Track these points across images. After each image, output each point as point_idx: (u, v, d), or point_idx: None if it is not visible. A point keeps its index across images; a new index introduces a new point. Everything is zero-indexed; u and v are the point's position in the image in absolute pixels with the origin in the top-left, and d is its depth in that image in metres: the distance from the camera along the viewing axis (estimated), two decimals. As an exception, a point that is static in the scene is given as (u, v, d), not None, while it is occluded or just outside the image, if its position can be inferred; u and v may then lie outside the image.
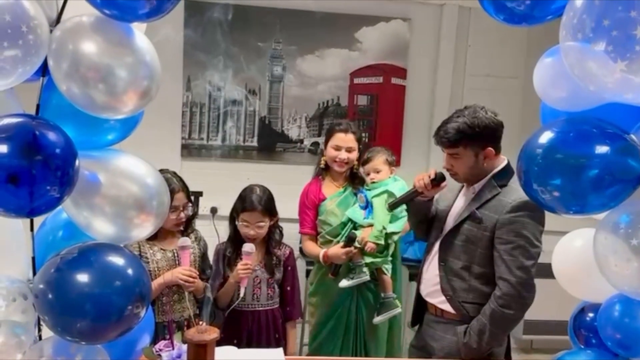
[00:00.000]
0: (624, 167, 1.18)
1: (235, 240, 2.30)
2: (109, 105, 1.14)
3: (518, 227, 1.84)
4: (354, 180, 2.54)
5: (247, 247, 2.19)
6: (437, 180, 2.04)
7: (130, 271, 1.20)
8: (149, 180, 1.26)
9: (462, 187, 2.12)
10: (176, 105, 3.59)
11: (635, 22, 0.97)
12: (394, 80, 3.81)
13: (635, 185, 1.21)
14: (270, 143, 3.73)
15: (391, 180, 2.49)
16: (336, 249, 2.40)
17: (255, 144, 3.71)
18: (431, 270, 2.08)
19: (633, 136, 1.23)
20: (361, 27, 3.71)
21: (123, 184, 1.25)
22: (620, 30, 0.98)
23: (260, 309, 2.29)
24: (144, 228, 1.27)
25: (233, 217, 2.32)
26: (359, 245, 2.39)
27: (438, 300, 2.04)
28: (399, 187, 2.46)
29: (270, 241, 2.34)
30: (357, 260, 2.41)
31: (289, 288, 2.36)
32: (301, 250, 3.30)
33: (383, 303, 2.45)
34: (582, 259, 1.33)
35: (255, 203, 2.24)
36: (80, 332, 1.19)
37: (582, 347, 1.39)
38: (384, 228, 2.40)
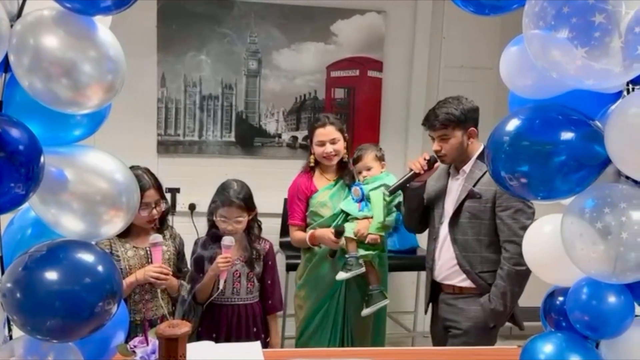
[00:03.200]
0: (589, 152, 1.20)
1: (214, 234, 2.30)
2: (73, 100, 1.12)
3: None
4: (344, 172, 2.57)
5: (227, 240, 2.20)
6: (432, 162, 2.28)
7: (100, 268, 1.19)
8: (118, 176, 1.25)
9: (448, 175, 2.32)
10: (151, 102, 3.56)
11: (594, 8, 0.99)
12: (371, 73, 3.83)
13: (600, 170, 1.23)
14: (248, 138, 3.72)
15: (384, 175, 2.53)
16: (324, 231, 2.45)
17: (232, 139, 3.70)
18: (444, 254, 2.28)
19: (598, 122, 1.25)
20: (336, 20, 3.71)
21: (91, 180, 1.23)
22: (580, 17, 1.00)
23: (240, 303, 2.30)
24: (114, 224, 1.25)
25: (211, 213, 2.31)
26: (355, 237, 2.43)
27: (458, 280, 2.24)
28: (393, 180, 2.50)
29: (249, 235, 2.34)
30: (353, 252, 2.44)
31: (269, 282, 2.36)
32: (281, 244, 3.31)
33: (372, 295, 2.48)
34: (552, 244, 1.35)
35: (233, 198, 2.23)
36: (51, 330, 1.18)
37: (553, 330, 1.41)
38: (384, 220, 2.46)
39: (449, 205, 2.27)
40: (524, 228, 2.00)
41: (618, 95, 1.25)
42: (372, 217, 2.47)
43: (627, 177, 1.20)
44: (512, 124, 1.24)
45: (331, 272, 2.49)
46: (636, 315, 1.25)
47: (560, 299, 1.40)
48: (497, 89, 3.67)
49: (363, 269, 2.44)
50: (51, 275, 1.15)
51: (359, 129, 3.84)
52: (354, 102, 3.83)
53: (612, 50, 1.01)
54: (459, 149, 2.20)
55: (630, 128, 1.12)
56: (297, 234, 2.58)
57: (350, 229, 2.45)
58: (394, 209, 2.56)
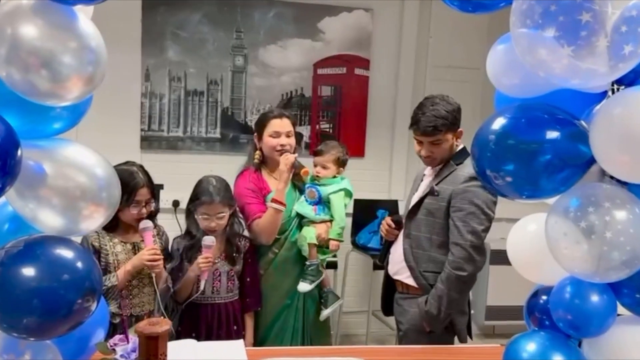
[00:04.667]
0: (574, 152, 1.20)
1: (191, 236, 2.25)
2: (52, 92, 1.09)
3: (470, 195, 2.01)
4: (294, 172, 2.40)
5: (208, 240, 2.15)
6: (398, 222, 2.24)
7: (79, 264, 1.16)
8: (99, 171, 1.22)
9: (424, 175, 2.27)
10: (134, 96, 3.52)
11: (581, 7, 0.99)
12: (358, 71, 3.83)
13: (584, 170, 1.23)
14: (233, 134, 3.69)
15: (340, 179, 2.44)
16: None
17: (218, 135, 3.67)
18: (398, 248, 2.21)
19: (583, 122, 1.25)
20: (324, 17, 3.70)
21: (71, 174, 1.20)
22: (567, 15, 0.99)
23: (220, 301, 2.26)
24: (94, 220, 1.22)
25: (190, 211, 2.25)
26: (316, 243, 2.36)
27: (404, 276, 2.17)
28: (349, 185, 2.45)
29: (230, 232, 2.29)
30: (314, 259, 2.37)
31: (248, 279, 2.32)
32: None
33: (327, 297, 2.45)
34: (536, 243, 1.35)
35: (214, 195, 2.19)
36: (28, 328, 1.15)
37: (536, 329, 1.42)
38: (345, 225, 2.42)
39: (413, 200, 2.22)
40: (474, 232, 2.00)
41: (603, 95, 1.26)
42: (329, 221, 2.40)
43: (612, 177, 1.21)
44: (498, 123, 1.24)
45: (288, 278, 2.39)
46: (618, 314, 1.26)
47: (544, 297, 1.41)
48: (483, 88, 3.69)
49: (324, 276, 2.40)
50: (28, 271, 1.12)
51: (346, 126, 3.84)
52: (340, 100, 3.83)
53: (598, 49, 1.01)
54: (450, 149, 2.14)
55: (615, 128, 1.12)
56: (265, 218, 2.28)
57: (311, 234, 2.35)
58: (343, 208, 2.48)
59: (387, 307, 2.34)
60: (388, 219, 2.28)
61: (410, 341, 2.13)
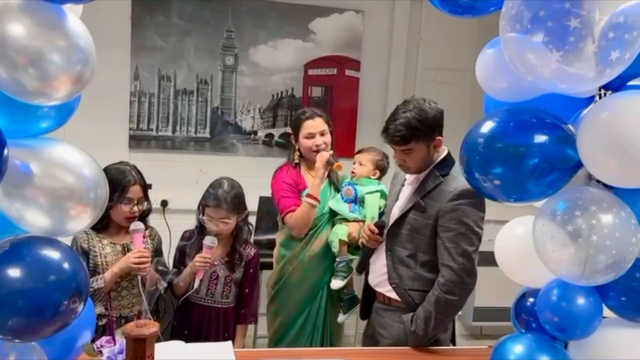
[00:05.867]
0: (561, 155, 1.22)
1: (201, 231, 2.24)
2: (40, 91, 1.08)
3: (459, 214, 1.89)
4: (331, 170, 2.44)
5: (208, 239, 2.14)
6: (380, 227, 2.11)
7: (66, 265, 1.15)
8: (86, 171, 1.21)
9: (404, 181, 2.17)
10: (123, 95, 3.49)
11: (569, 13, 1.00)
12: (348, 72, 3.83)
13: (572, 173, 1.25)
14: (223, 134, 3.67)
15: (376, 182, 2.45)
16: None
17: (207, 135, 3.65)
18: (379, 261, 2.11)
19: (570, 126, 1.27)
20: (315, 18, 3.70)
21: (58, 174, 1.19)
22: (556, 21, 1.00)
23: (212, 305, 2.25)
24: (81, 220, 1.21)
25: (199, 210, 2.25)
26: (347, 240, 2.35)
27: (386, 289, 2.08)
28: (384, 189, 2.44)
29: (237, 238, 2.27)
30: (344, 256, 2.37)
31: (247, 290, 2.30)
32: (255, 242, 3.24)
33: (346, 300, 2.43)
34: (523, 245, 1.36)
35: (220, 199, 2.17)
36: (13, 329, 1.13)
37: (523, 331, 1.43)
38: None
39: (396, 212, 2.09)
40: (464, 255, 1.89)
41: (590, 99, 1.27)
42: (362, 221, 2.38)
43: (598, 181, 1.22)
44: (487, 127, 1.25)
45: (314, 274, 2.40)
46: (604, 317, 1.27)
47: (531, 300, 1.42)
48: (473, 91, 3.71)
49: (354, 273, 2.39)
50: (14, 272, 1.11)
51: (336, 128, 3.78)
52: (331, 101, 3.83)
53: (586, 55, 1.02)
54: (425, 160, 1.99)
55: (601, 133, 1.13)
56: (298, 210, 2.31)
57: (343, 231, 2.36)
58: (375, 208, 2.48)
59: (366, 313, 2.27)
60: (370, 225, 2.15)
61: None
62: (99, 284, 1.99)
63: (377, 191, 2.40)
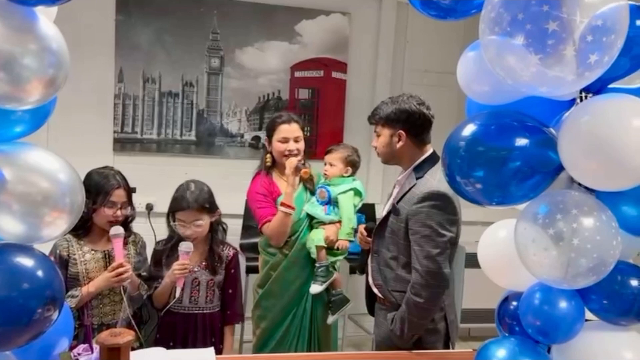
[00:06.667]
0: (543, 159, 1.22)
1: (173, 242, 2.19)
2: (11, 95, 1.05)
3: (423, 217, 1.90)
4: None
5: (184, 246, 2.10)
6: (369, 230, 2.17)
7: (40, 272, 1.13)
8: (62, 176, 1.18)
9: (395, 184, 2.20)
10: (107, 97, 3.45)
11: (548, 16, 0.99)
12: (335, 74, 3.82)
13: (553, 177, 1.24)
14: (209, 137, 3.65)
15: (351, 179, 2.45)
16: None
17: (193, 137, 3.63)
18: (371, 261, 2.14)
19: (552, 129, 1.26)
20: (301, 19, 3.69)
21: (32, 179, 1.16)
22: (534, 24, 1.00)
23: (198, 312, 2.20)
24: (56, 227, 1.19)
25: (169, 217, 2.21)
26: (324, 245, 2.35)
27: (376, 290, 2.10)
28: (360, 186, 2.45)
29: (212, 239, 2.23)
30: (324, 260, 2.36)
31: (230, 291, 2.27)
32: (241, 246, 3.23)
33: (335, 301, 2.42)
34: (505, 249, 1.36)
35: (190, 201, 2.14)
36: (-14, 339, 1.11)
37: (506, 334, 1.43)
38: (354, 225, 2.39)
39: (382, 216, 2.14)
40: (428, 257, 1.87)
41: (572, 102, 1.27)
42: (338, 222, 2.39)
43: (580, 184, 1.22)
44: (468, 130, 1.24)
45: (297, 279, 2.39)
46: (586, 320, 1.27)
47: (514, 303, 1.42)
48: (459, 93, 3.68)
49: (334, 276, 2.39)
50: (-14, 280, 1.08)
51: (323, 130, 3.83)
52: (318, 103, 3.81)
53: (565, 58, 1.01)
54: (387, 149, 2.04)
55: (582, 136, 1.13)
56: (274, 220, 2.31)
57: (319, 235, 2.37)
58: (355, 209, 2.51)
59: (371, 310, 2.30)
60: (361, 227, 2.24)
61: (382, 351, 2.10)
62: (72, 301, 1.96)
63: (350, 189, 2.41)
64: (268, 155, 2.44)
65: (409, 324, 1.93)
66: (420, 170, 2.00)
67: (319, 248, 2.35)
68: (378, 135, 2.08)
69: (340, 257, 2.45)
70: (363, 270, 2.32)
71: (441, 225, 1.88)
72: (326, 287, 2.40)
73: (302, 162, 2.39)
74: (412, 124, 1.99)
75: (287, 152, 2.37)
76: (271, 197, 2.38)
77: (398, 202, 2.00)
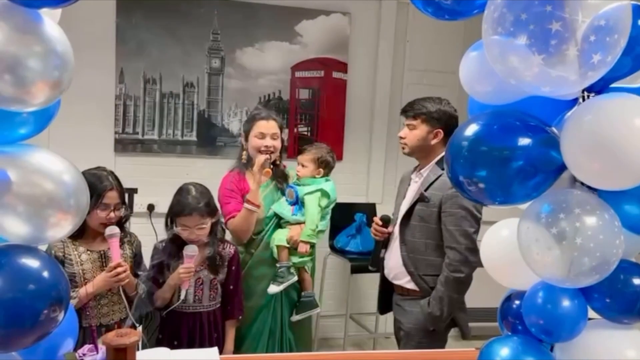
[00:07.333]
0: (545, 158, 1.22)
1: (175, 243, 2.19)
2: (16, 97, 1.06)
3: (460, 200, 2.11)
4: (277, 173, 2.44)
5: (189, 249, 2.11)
6: (386, 220, 2.33)
7: (45, 273, 1.13)
8: (66, 178, 1.19)
9: (411, 179, 2.36)
10: (108, 98, 3.46)
11: (551, 16, 0.99)
12: (335, 74, 3.83)
13: (556, 176, 1.25)
14: (210, 137, 3.65)
15: (322, 180, 2.45)
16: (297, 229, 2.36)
17: (194, 138, 3.63)
18: (394, 255, 2.29)
19: (554, 129, 1.27)
20: (301, 20, 3.69)
21: (37, 181, 1.16)
22: (537, 24, 1.00)
23: (202, 310, 2.22)
24: (61, 228, 1.19)
25: (169, 221, 2.20)
26: (287, 245, 2.35)
27: (404, 281, 2.26)
28: (330, 187, 2.44)
29: (213, 240, 2.24)
30: (285, 261, 2.36)
31: (231, 287, 2.28)
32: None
33: (303, 302, 2.43)
34: (508, 248, 1.36)
35: (193, 205, 2.12)
36: (-8, 340, 1.12)
37: (509, 333, 1.43)
38: (317, 227, 2.38)
39: (404, 207, 2.29)
40: (466, 235, 2.11)
41: (574, 101, 1.27)
42: (303, 222, 2.39)
43: (582, 183, 1.22)
44: (471, 129, 1.24)
45: (264, 279, 2.38)
46: (589, 319, 1.28)
47: (517, 302, 1.42)
48: (459, 93, 3.70)
49: (295, 278, 2.37)
50: (-8, 281, 1.09)
51: (324, 130, 3.83)
52: (318, 103, 3.82)
53: (568, 58, 1.02)
54: (420, 143, 2.24)
55: (585, 135, 1.13)
56: (238, 216, 2.31)
57: (281, 235, 2.36)
58: (328, 214, 2.51)
59: (384, 307, 2.44)
60: (376, 218, 2.34)
61: (414, 340, 2.24)
62: (71, 302, 1.95)
63: (317, 190, 2.40)
64: (244, 152, 2.43)
65: (449, 301, 2.13)
66: (443, 162, 2.16)
67: (280, 248, 2.35)
68: (412, 128, 2.24)
69: (307, 259, 2.43)
70: (376, 267, 2.41)
71: (475, 208, 2.12)
72: (295, 288, 2.41)
73: (277, 161, 2.40)
74: (450, 126, 2.21)
75: (262, 149, 2.35)
76: (239, 194, 2.37)
77: (426, 190, 2.19)
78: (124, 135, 3.51)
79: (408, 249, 2.23)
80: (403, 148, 2.30)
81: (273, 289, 2.33)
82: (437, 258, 2.19)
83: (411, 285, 2.24)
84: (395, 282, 2.30)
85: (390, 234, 2.34)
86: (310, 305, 2.44)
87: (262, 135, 2.37)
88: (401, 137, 2.28)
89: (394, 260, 2.29)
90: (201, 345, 2.15)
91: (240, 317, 2.32)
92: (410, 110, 2.24)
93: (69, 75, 1.11)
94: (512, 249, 1.31)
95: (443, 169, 2.16)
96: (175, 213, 2.16)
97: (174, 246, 2.19)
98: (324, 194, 2.42)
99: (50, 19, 1.10)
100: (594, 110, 1.14)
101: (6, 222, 1.17)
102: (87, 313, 2.02)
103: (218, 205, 2.33)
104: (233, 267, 2.28)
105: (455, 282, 2.12)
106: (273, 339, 2.41)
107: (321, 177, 2.46)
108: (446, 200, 2.13)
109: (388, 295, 2.39)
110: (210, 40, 3.57)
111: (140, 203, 3.38)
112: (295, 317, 2.42)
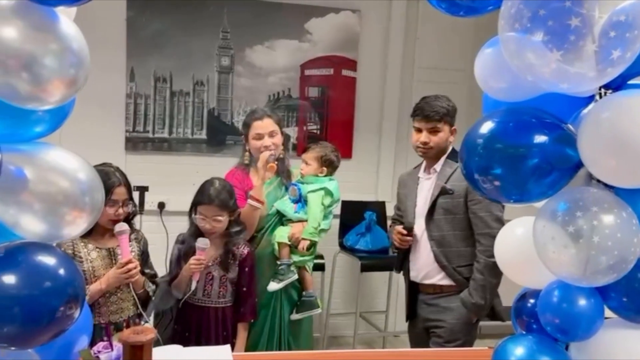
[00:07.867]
0: (561, 156, 1.20)
1: (195, 232, 2.25)
2: (33, 95, 1.06)
3: None
4: (282, 168, 2.44)
5: (201, 242, 2.16)
6: (409, 229, 2.32)
7: (61, 271, 1.14)
8: (81, 175, 1.19)
9: (418, 178, 2.36)
10: (119, 97, 3.48)
11: (569, 12, 0.98)
12: (345, 72, 3.82)
13: (572, 174, 1.23)
14: (219, 135, 3.66)
15: (326, 179, 2.44)
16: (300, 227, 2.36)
17: (204, 136, 3.64)
18: (422, 254, 2.30)
19: (570, 126, 1.25)
20: (311, 18, 3.69)
21: (53, 179, 1.17)
22: (556, 20, 0.99)
23: (210, 305, 2.25)
24: (77, 225, 1.20)
25: (191, 209, 2.26)
26: (289, 242, 2.35)
27: (437, 278, 2.28)
28: (334, 186, 2.43)
29: (228, 238, 2.27)
30: (285, 259, 2.36)
31: (244, 289, 2.29)
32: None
33: (304, 302, 2.43)
34: (523, 246, 1.35)
35: (212, 196, 2.19)
36: (9, 336, 1.12)
37: (524, 332, 1.42)
38: (319, 225, 2.38)
39: (422, 204, 2.30)
40: (498, 220, 2.14)
41: (590, 98, 1.26)
42: (306, 220, 2.39)
43: (599, 181, 1.21)
44: (486, 127, 1.23)
45: (263, 276, 2.38)
46: (606, 318, 1.26)
47: (532, 301, 1.41)
48: (469, 90, 3.70)
49: (295, 277, 2.37)
50: (9, 279, 1.09)
51: (333, 128, 3.83)
52: (328, 101, 3.82)
53: (586, 54, 1.01)
54: (444, 143, 2.28)
55: (602, 132, 1.12)
56: (241, 212, 2.30)
57: (283, 232, 2.37)
58: (331, 213, 2.50)
59: (411, 313, 2.41)
60: (399, 228, 2.33)
61: (457, 335, 2.25)
62: None
63: (320, 189, 2.39)
64: (246, 153, 2.45)
65: (490, 287, 2.16)
66: (453, 156, 2.24)
67: (281, 245, 2.35)
68: (436, 131, 2.25)
69: (308, 258, 2.42)
70: (400, 267, 2.43)
71: None
72: (295, 288, 2.41)
73: (281, 155, 2.40)
74: (454, 120, 2.29)
75: (262, 149, 2.37)
76: (242, 190, 2.38)
77: (446, 182, 2.22)
78: (134, 133, 3.52)
79: (437, 243, 2.24)
80: (425, 153, 2.28)
81: (273, 286, 2.33)
82: (466, 248, 2.22)
83: (445, 281, 2.26)
84: (426, 281, 2.30)
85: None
86: (311, 305, 2.44)
87: (260, 136, 2.39)
88: (425, 143, 2.26)
89: (422, 260, 2.30)
90: (208, 341, 2.18)
91: (252, 321, 2.31)
92: (435, 114, 2.23)
93: (84, 73, 1.11)
94: (527, 247, 1.30)
95: (456, 162, 2.17)
96: (196, 202, 2.23)
97: (192, 239, 2.24)
98: (328, 192, 2.42)
99: (66, 17, 1.10)
100: (613, 107, 1.13)
101: (22, 220, 1.17)
102: (97, 311, 2.02)
103: None
104: (246, 268, 2.29)
105: (494, 267, 2.03)
106: (272, 339, 2.41)
107: (324, 176, 2.46)
108: (472, 189, 2.15)
109: (414, 300, 2.38)
110: (220, 39, 3.58)
111: (150, 201, 3.38)
112: (295, 316, 2.43)
